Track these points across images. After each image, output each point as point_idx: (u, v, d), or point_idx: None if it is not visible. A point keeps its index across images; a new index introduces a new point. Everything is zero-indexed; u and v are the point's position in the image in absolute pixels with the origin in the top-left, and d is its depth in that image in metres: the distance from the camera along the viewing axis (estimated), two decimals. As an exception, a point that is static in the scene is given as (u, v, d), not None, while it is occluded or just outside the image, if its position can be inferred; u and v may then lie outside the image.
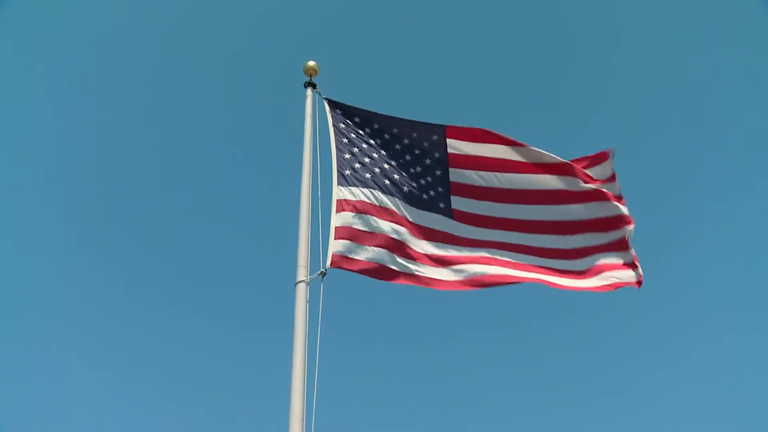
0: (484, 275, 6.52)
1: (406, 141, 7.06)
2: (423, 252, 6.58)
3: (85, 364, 16.98)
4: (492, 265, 6.59)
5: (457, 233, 6.79)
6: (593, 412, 17.57)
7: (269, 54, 22.20)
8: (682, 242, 20.31)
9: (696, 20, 20.19)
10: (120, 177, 20.21)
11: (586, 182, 6.95)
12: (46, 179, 18.77)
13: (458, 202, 6.91)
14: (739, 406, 16.02)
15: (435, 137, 7.02)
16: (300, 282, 5.81)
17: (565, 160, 7.02)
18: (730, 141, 20.05)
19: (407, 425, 16.92)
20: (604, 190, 7.00)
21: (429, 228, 6.73)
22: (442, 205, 6.89)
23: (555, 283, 6.70)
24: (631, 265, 6.88)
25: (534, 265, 6.78)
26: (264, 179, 21.32)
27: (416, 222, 6.72)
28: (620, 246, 6.95)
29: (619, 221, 6.98)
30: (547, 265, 6.80)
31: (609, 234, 6.95)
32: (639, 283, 6.84)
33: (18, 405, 15.29)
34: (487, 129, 7.01)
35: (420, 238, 6.66)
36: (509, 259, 6.74)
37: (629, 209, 7.06)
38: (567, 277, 6.76)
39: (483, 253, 6.71)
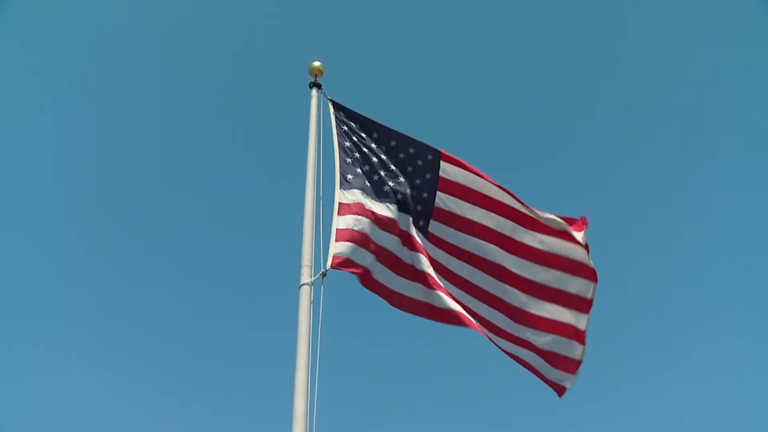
0: (443, 309, 6.48)
1: (401, 156, 7.01)
2: (410, 264, 6.66)
3: (86, 364, 17.03)
4: (449, 299, 6.53)
5: (429, 252, 6.82)
6: (594, 411, 17.62)
7: (274, 54, 22.25)
8: (682, 242, 20.37)
9: (696, 20, 20.23)
10: (123, 177, 20.25)
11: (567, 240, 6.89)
12: (47, 179, 18.80)
13: (435, 228, 6.92)
14: (739, 406, 16.06)
15: (430, 157, 6.97)
16: (304, 284, 5.84)
17: (555, 224, 6.92)
18: (730, 141, 20.10)
19: (409, 425, 16.95)
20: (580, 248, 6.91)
21: (417, 241, 6.75)
22: (421, 223, 6.89)
23: (493, 341, 6.84)
24: (580, 337, 6.91)
25: (483, 315, 6.86)
26: (267, 179, 21.37)
27: (408, 231, 6.76)
28: (581, 305, 6.91)
29: (588, 271, 6.89)
30: (495, 320, 6.89)
31: (574, 279, 6.88)
32: (562, 387, 6.99)
33: (18, 405, 15.30)
34: (476, 168, 6.98)
35: (410, 250, 6.70)
36: (463, 301, 6.76)
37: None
38: (509, 340, 6.90)
39: (445, 284, 6.74)
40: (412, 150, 7.01)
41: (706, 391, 17.27)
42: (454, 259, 6.92)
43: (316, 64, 7.41)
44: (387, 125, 7.13)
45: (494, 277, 6.91)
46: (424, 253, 6.67)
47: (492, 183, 6.91)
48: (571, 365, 6.91)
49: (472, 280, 6.92)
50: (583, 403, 17.63)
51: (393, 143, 7.04)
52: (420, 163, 6.99)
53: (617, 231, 20.16)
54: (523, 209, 6.89)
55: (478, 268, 6.91)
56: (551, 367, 6.95)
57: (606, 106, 22.14)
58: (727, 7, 19.03)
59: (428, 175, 6.96)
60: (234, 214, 21.15)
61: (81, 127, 19.56)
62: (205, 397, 17.55)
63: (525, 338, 6.90)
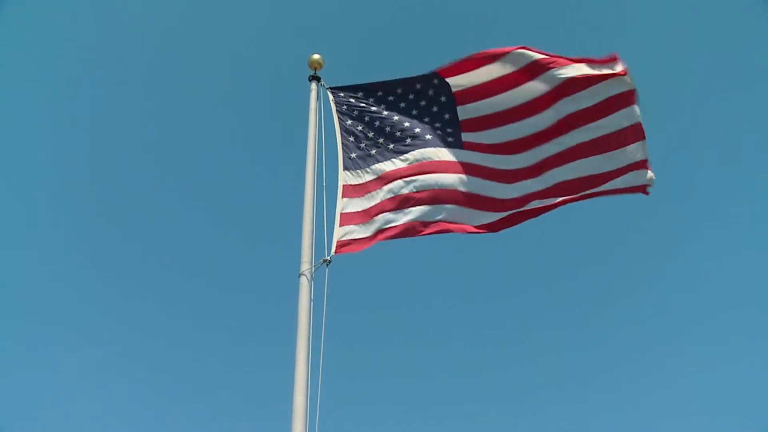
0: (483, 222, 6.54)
1: (411, 96, 7.11)
2: (433, 187, 6.61)
3: (86, 363, 16.97)
4: (491, 210, 6.56)
5: (466, 159, 6.78)
6: (596, 409, 17.60)
7: (274, 47, 22.23)
8: (682, 242, 20.34)
9: (696, 20, 20.25)
10: (123, 169, 20.17)
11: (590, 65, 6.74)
12: (47, 177, 18.79)
13: (468, 137, 6.91)
14: (739, 406, 16.03)
15: (436, 81, 7.04)
16: (302, 274, 5.79)
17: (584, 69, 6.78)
18: (730, 141, 20.09)
19: (410, 420, 16.92)
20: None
21: (438, 161, 6.75)
22: (451, 140, 6.89)
23: (545, 208, 6.66)
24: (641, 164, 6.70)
25: (533, 190, 6.72)
26: (268, 172, 21.32)
27: (431, 159, 6.75)
28: (635, 134, 6.70)
29: (628, 97, 6.73)
30: (548, 181, 6.74)
31: (619, 115, 6.72)
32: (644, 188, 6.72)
33: (18, 405, 15.28)
34: (475, 53, 6.90)
35: (426, 175, 6.68)
36: (504, 193, 6.68)
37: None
38: (571, 191, 6.70)
39: (488, 191, 6.69)
40: (419, 86, 7.10)
41: (706, 391, 17.25)
42: (490, 155, 6.83)
43: (316, 57, 7.44)
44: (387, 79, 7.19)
45: (538, 144, 6.80)
46: (456, 169, 6.66)
47: (492, 60, 6.83)
48: (640, 164, 6.71)
49: (513, 167, 6.81)
50: (582, 402, 17.68)
51: (399, 90, 7.13)
52: (431, 92, 7.08)
53: (617, 231, 20.17)
54: (543, 57, 6.77)
55: (517, 152, 6.82)
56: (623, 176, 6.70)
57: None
58: (727, 7, 19.08)
59: (443, 98, 7.03)
60: (234, 207, 21.10)
61: (81, 123, 19.58)
62: (204, 392, 17.49)
63: (587, 175, 6.73)
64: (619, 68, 6.63)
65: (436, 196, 6.58)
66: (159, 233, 20.31)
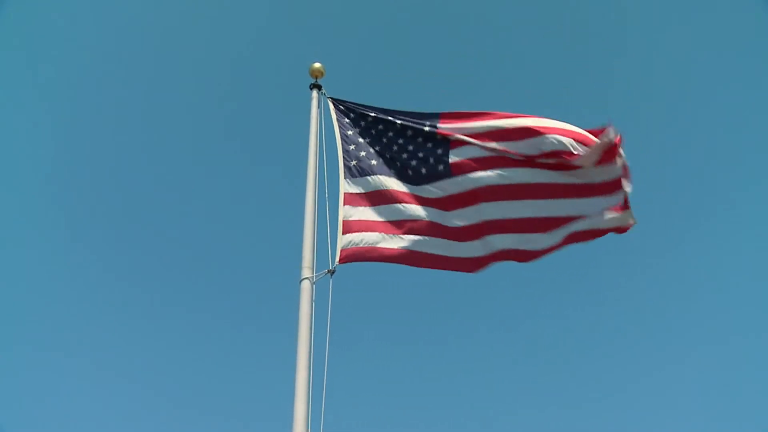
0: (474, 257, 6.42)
1: (409, 132, 6.99)
2: (426, 220, 6.55)
3: (86, 364, 17.00)
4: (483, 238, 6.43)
5: (454, 190, 6.66)
6: (596, 411, 17.64)
7: (275, 55, 22.25)
8: (682, 242, 20.36)
9: (696, 20, 20.23)
10: (125, 176, 20.26)
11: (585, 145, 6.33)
12: (47, 177, 18.79)
13: (457, 168, 6.74)
14: (739, 406, 16.07)
15: (432, 121, 6.93)
16: (304, 279, 5.78)
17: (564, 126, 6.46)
18: (730, 141, 20.10)
19: (412, 425, 16.93)
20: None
21: (427, 198, 6.67)
22: (441, 168, 6.73)
23: (532, 253, 6.38)
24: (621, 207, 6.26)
25: (522, 216, 6.50)
26: (269, 180, 21.36)
27: (417, 194, 6.70)
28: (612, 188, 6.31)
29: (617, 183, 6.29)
30: (534, 212, 6.44)
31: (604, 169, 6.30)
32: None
33: (18, 405, 15.30)
34: (480, 111, 6.82)
35: (419, 206, 6.64)
36: (499, 213, 6.52)
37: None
38: (552, 227, 6.37)
39: (475, 219, 6.55)
40: (415, 121, 6.98)
41: (705, 391, 17.28)
42: (481, 173, 6.64)
43: (317, 65, 7.45)
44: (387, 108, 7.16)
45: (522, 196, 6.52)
46: (439, 204, 6.61)
47: (493, 118, 6.70)
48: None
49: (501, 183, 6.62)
50: (583, 403, 17.71)
51: (398, 122, 7.02)
52: (427, 129, 6.88)
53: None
54: (529, 124, 6.52)
55: (504, 200, 6.60)
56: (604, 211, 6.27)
57: (605, 106, 22.16)
58: (727, 7, 19.07)
59: (438, 137, 6.85)
60: (236, 214, 21.17)
61: (81, 126, 19.58)
62: (205, 397, 17.53)
63: (568, 214, 6.38)
64: (612, 136, 6.16)
65: (431, 229, 6.54)
66: (159, 234, 20.38)
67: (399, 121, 7.01)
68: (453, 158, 6.73)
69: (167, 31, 20.67)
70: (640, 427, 16.80)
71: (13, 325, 16.42)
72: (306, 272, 5.84)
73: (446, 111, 6.94)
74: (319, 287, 5.86)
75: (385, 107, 7.19)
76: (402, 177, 6.80)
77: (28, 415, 15.27)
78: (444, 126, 6.85)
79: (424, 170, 6.78)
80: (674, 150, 21.05)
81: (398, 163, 6.86)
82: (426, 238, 6.49)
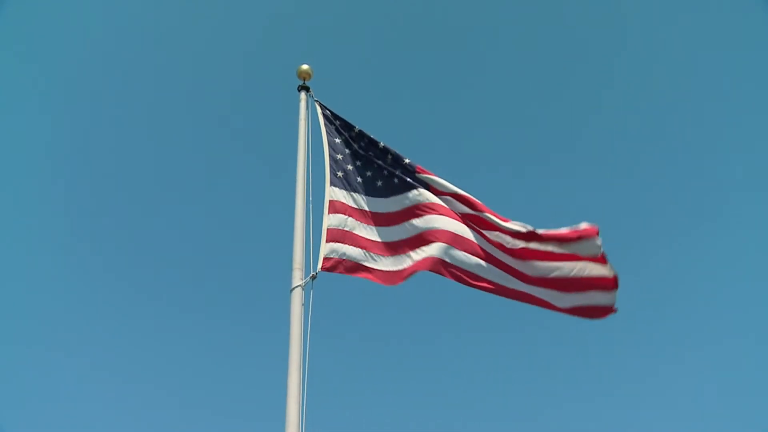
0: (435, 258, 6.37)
1: (380, 162, 6.93)
2: (396, 240, 6.57)
3: (84, 364, 17.08)
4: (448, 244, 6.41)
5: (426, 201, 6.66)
6: (590, 411, 17.63)
7: (263, 57, 22.28)
8: (682, 242, 20.33)
9: (696, 20, 20.17)
10: (117, 180, 20.35)
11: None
12: (47, 178, 18.89)
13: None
14: (739, 406, 16.03)
15: (407, 161, 6.86)
16: (296, 287, 5.87)
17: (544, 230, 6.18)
18: (730, 141, 20.05)
19: (403, 426, 16.97)
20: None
21: (391, 212, 6.71)
22: (409, 180, 6.75)
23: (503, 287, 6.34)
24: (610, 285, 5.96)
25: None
26: (258, 182, 21.44)
27: (394, 210, 6.73)
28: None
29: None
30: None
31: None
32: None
33: (18, 405, 15.37)
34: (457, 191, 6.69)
35: (397, 225, 6.65)
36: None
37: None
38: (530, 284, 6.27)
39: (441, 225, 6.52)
40: (390, 157, 6.91)
41: (705, 391, 17.25)
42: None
43: (305, 67, 7.45)
44: (370, 133, 7.11)
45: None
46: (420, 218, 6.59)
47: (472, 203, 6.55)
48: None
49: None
50: (583, 403, 17.72)
51: (371, 152, 7.01)
52: (399, 171, 6.86)
53: (617, 230, 20.17)
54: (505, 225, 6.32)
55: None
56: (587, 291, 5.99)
57: (606, 106, 22.14)
58: (727, 7, 19.01)
59: (408, 179, 6.81)
60: (225, 217, 21.25)
61: (78, 129, 19.70)
62: (199, 400, 17.64)
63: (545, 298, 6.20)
64: (597, 251, 5.90)
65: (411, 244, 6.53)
66: (159, 234, 20.46)
67: (381, 143, 7.00)
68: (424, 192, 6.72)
69: (166, 28, 20.83)
70: (640, 427, 16.82)
71: (13, 324, 16.55)
72: (296, 280, 5.92)
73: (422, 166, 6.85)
74: (306, 287, 5.93)
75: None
76: (380, 194, 6.81)
77: (28, 415, 15.38)
78: (421, 177, 6.80)
79: (396, 181, 6.81)
80: (674, 150, 21.04)
81: (378, 182, 6.88)
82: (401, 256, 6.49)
